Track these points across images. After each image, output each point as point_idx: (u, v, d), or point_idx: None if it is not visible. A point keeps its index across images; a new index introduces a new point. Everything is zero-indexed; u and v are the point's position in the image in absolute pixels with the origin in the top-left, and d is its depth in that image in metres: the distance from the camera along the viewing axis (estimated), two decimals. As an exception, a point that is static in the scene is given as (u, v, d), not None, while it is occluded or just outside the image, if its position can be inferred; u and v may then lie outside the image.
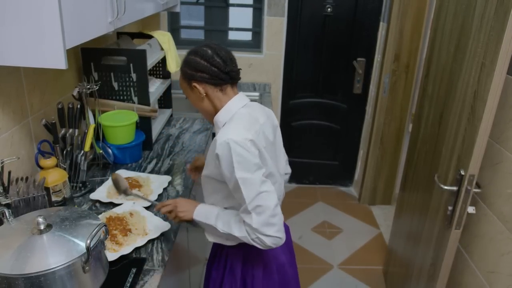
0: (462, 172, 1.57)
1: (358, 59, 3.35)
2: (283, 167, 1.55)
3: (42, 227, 1.06)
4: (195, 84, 1.31)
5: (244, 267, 1.46)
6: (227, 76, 1.32)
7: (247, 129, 1.27)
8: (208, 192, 1.42)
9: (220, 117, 1.34)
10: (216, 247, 1.54)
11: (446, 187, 1.67)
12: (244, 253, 1.44)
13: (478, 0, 1.55)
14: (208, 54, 1.30)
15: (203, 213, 1.37)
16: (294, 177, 3.78)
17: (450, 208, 1.65)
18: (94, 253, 1.06)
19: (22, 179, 1.39)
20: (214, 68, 1.29)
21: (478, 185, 1.61)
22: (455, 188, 1.62)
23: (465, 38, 1.64)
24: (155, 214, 1.56)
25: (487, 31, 1.46)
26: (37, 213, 1.16)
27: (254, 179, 1.22)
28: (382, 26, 3.18)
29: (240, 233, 1.26)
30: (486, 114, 1.45)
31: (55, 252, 1.02)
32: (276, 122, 1.50)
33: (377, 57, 3.26)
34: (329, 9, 3.21)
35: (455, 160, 1.66)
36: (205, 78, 1.30)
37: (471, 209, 1.62)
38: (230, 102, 1.34)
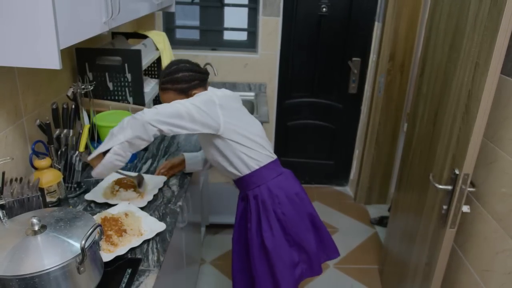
0: (457, 171, 1.58)
1: (353, 59, 3.36)
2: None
3: (36, 228, 1.05)
4: (195, 91, 1.64)
5: (272, 200, 1.71)
6: (206, 75, 1.71)
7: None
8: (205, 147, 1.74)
9: None
10: (243, 207, 1.82)
11: (440, 186, 1.67)
12: (268, 188, 1.71)
13: (472, 0, 1.55)
14: (188, 66, 1.67)
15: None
16: (290, 177, 3.76)
17: (444, 207, 1.66)
18: (89, 254, 1.06)
19: (16, 180, 1.39)
20: (198, 74, 1.67)
21: (472, 184, 1.61)
22: (449, 187, 1.62)
23: (460, 38, 1.65)
24: (150, 215, 1.56)
25: (481, 30, 1.47)
26: (32, 214, 1.15)
27: (173, 110, 1.51)
28: (377, 26, 3.18)
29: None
30: (480, 113, 1.45)
31: (50, 253, 1.02)
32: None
33: (372, 57, 3.27)
34: (324, 9, 3.21)
35: (449, 159, 1.67)
36: (198, 84, 1.67)
37: (465, 208, 1.63)
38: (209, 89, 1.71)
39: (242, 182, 1.76)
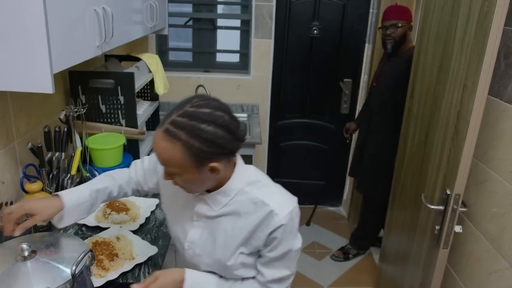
0: (448, 192, 1.59)
1: (345, 80, 3.40)
2: None
3: (26, 253, 1.04)
4: (213, 165, 1.00)
5: None
6: (241, 143, 1.04)
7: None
8: (236, 271, 1.15)
9: (232, 185, 1.10)
10: None
11: (432, 207, 1.68)
12: None
13: (459, 24, 1.59)
14: (225, 120, 0.99)
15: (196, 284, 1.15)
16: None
17: (437, 227, 1.66)
18: (79, 280, 1.04)
19: (6, 204, 1.37)
20: (233, 141, 1.01)
21: (464, 204, 1.62)
22: (441, 208, 1.63)
23: (447, 60, 1.68)
24: (143, 238, 1.54)
25: (468, 53, 1.50)
26: (21, 239, 1.14)
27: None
28: (367, 47, 3.24)
29: None
30: (469, 134, 1.47)
31: (40, 279, 1.00)
32: None
33: (363, 78, 3.31)
34: (315, 32, 3.27)
35: (440, 179, 1.68)
36: (225, 155, 1.02)
37: (458, 228, 1.63)
38: (237, 166, 1.11)
39: None
